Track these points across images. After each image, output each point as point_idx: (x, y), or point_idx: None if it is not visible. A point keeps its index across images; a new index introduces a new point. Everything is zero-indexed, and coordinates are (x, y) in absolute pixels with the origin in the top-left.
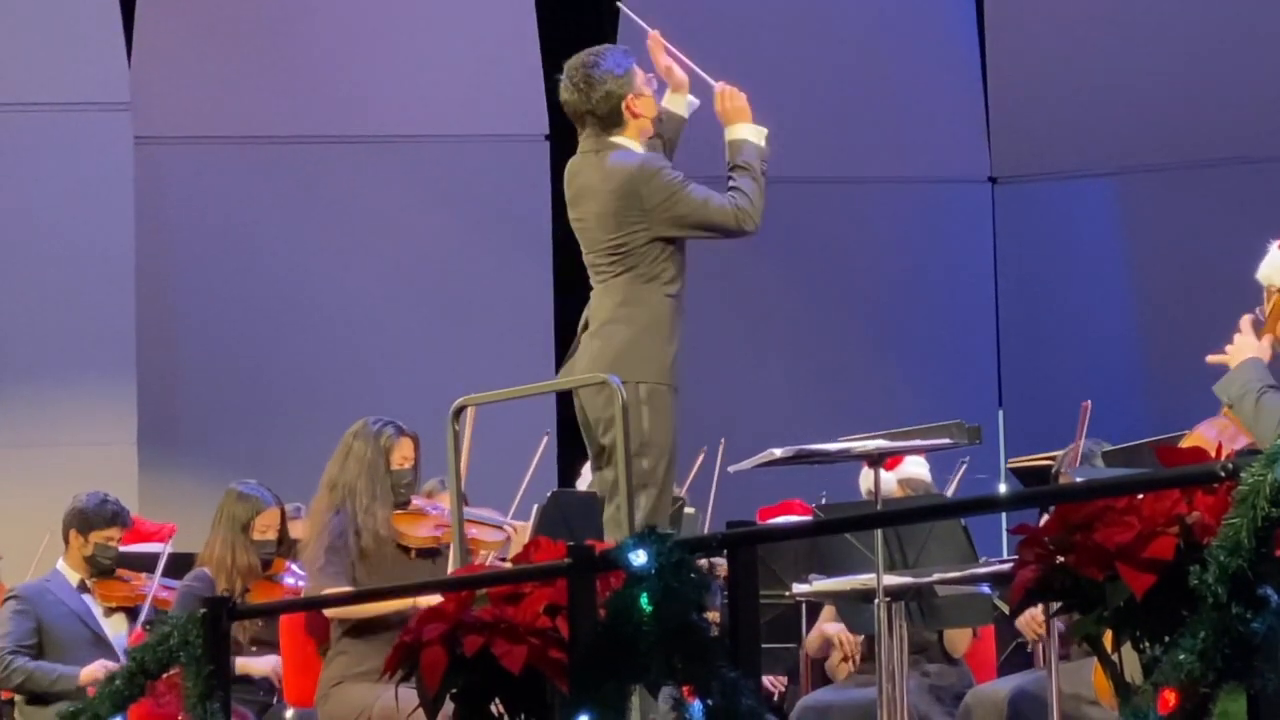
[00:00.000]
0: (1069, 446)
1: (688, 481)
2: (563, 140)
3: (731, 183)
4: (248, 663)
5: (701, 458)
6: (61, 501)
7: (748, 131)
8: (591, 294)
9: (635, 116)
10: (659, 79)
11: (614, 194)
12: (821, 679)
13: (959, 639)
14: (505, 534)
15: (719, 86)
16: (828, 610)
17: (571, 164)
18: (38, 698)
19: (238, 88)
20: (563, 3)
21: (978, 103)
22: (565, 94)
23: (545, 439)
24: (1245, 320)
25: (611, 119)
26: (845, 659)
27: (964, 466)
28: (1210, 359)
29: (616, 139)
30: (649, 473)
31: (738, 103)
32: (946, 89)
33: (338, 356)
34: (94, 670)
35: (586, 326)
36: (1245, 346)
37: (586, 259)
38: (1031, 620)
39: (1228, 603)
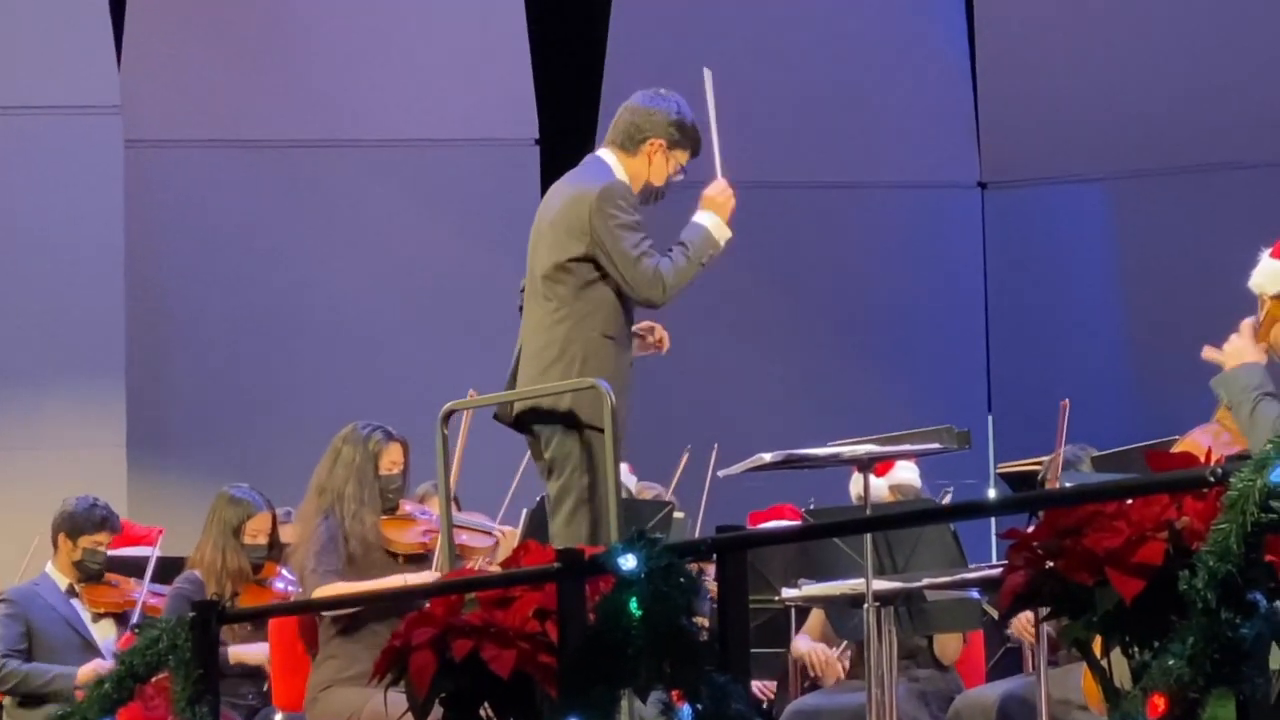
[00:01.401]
0: (1054, 453)
1: (673, 483)
2: (552, 145)
3: (669, 252)
4: (241, 651)
5: (685, 458)
6: (50, 505)
7: (709, 221)
8: (524, 329)
9: (648, 159)
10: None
11: (573, 200)
12: (813, 684)
13: (949, 646)
14: (494, 539)
15: (720, 177)
16: (814, 615)
17: (554, 184)
18: (29, 700)
19: (228, 92)
20: (553, 8)
21: (967, 108)
22: (633, 98)
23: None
24: (1246, 323)
25: (633, 137)
26: (814, 677)
27: (948, 495)
28: (1206, 353)
29: (611, 158)
30: (587, 488)
31: (722, 198)
32: (936, 94)
33: (327, 360)
34: (90, 670)
35: (514, 369)
36: (1244, 350)
37: (526, 289)
38: (1023, 621)
39: (1217, 608)
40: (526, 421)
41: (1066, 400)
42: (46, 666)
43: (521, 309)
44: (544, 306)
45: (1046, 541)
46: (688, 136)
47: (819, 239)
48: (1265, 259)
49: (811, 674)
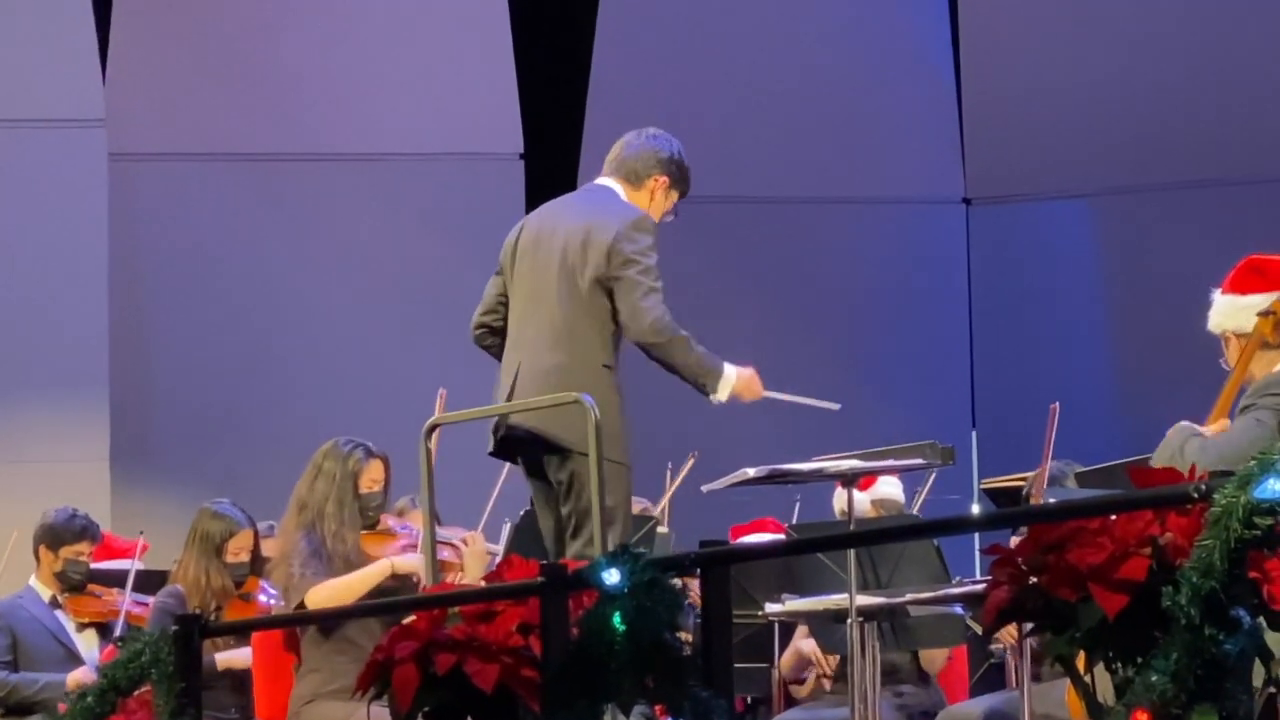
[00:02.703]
0: (1043, 456)
1: (665, 499)
2: (537, 159)
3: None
4: (228, 657)
5: (686, 470)
6: (34, 518)
7: (729, 372)
8: (522, 351)
9: (650, 195)
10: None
11: (598, 226)
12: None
13: (935, 658)
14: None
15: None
16: (802, 630)
17: (559, 200)
18: (17, 710)
19: (212, 105)
20: (538, 22)
21: (952, 124)
22: (627, 136)
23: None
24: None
25: (637, 173)
26: (823, 676)
27: (933, 477)
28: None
29: (617, 188)
30: (613, 509)
31: (750, 386)
32: (921, 110)
33: (311, 374)
34: (80, 676)
35: (511, 390)
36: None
37: (526, 319)
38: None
39: (1200, 624)
40: (532, 445)
41: (1056, 404)
42: (35, 675)
43: (484, 333)
44: (549, 331)
45: (1030, 557)
46: (684, 177)
47: (803, 254)
48: (1218, 297)
49: (820, 670)
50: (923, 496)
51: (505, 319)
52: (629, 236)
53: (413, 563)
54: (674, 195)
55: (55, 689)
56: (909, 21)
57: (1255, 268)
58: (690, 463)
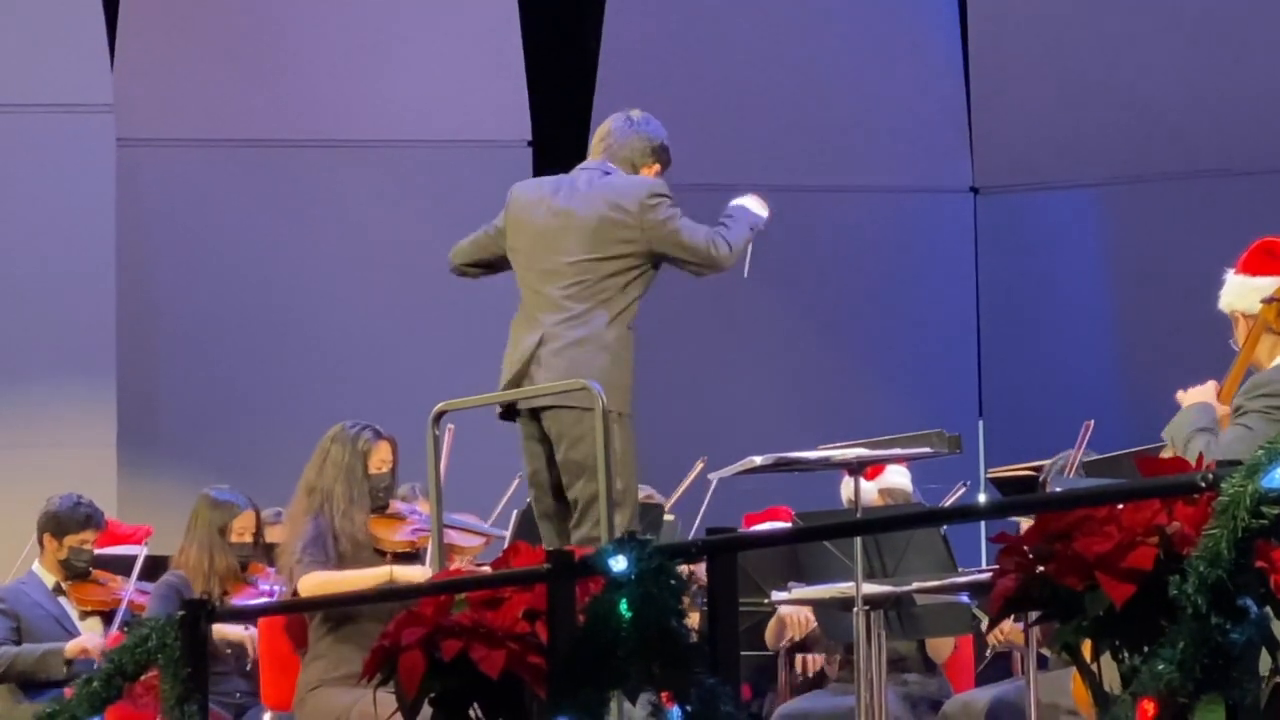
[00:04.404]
0: (1057, 456)
1: (676, 494)
2: (545, 147)
3: (720, 223)
4: (224, 629)
5: (701, 465)
6: (39, 503)
7: (749, 200)
8: (544, 323)
9: None
10: None
11: (619, 201)
12: (804, 687)
13: (941, 643)
14: (483, 539)
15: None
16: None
17: (561, 179)
18: (28, 685)
19: (220, 91)
20: (547, 8)
21: (960, 113)
22: (613, 122)
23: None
24: (1211, 383)
25: (634, 166)
26: (792, 640)
27: (963, 489)
28: (1178, 397)
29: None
30: (623, 491)
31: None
32: (929, 99)
33: (318, 360)
34: (79, 644)
35: (532, 354)
36: (1200, 393)
37: (545, 288)
38: (998, 632)
39: (1207, 613)
40: (541, 420)
41: (1090, 421)
42: (34, 645)
43: (459, 273)
44: (573, 303)
45: (1037, 546)
46: (670, 157)
47: (811, 243)
48: (1231, 277)
49: (790, 634)
50: (952, 499)
51: (484, 274)
52: (652, 206)
53: (414, 574)
54: (659, 167)
55: (54, 657)
56: (917, 10)
57: (1268, 250)
58: (699, 467)
